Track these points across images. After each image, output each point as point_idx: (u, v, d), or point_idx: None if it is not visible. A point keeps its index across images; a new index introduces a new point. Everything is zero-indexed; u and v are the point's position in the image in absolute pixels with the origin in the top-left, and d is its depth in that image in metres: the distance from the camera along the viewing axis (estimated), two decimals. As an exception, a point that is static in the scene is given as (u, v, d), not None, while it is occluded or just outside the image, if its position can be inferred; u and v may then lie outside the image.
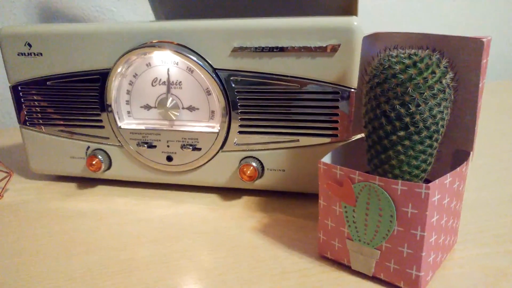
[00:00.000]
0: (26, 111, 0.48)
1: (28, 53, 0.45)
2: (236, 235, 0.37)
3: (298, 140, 0.41)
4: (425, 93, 0.28)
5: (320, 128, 0.40)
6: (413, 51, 0.29)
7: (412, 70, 0.28)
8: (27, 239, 0.38)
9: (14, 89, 0.47)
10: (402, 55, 0.29)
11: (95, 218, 0.41)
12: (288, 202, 0.43)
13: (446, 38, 0.30)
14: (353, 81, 0.38)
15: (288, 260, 0.34)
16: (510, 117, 0.73)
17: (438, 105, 0.29)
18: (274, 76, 0.40)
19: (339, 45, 0.37)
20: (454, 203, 0.31)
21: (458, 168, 0.30)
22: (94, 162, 0.46)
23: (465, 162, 0.31)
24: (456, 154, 0.34)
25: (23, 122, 0.48)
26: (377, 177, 0.29)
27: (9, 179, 0.47)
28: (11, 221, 0.42)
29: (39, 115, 0.47)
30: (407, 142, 0.29)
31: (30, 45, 0.45)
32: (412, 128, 0.29)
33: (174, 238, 0.37)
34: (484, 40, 0.28)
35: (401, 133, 0.29)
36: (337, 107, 0.39)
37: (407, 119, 0.29)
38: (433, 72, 0.28)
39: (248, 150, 0.43)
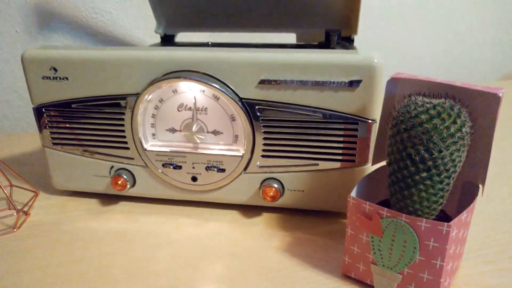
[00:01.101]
0: (49, 132, 0.49)
1: (53, 77, 0.46)
2: (266, 257, 0.41)
3: (317, 164, 0.45)
4: (448, 141, 0.32)
5: (339, 154, 0.44)
6: (437, 101, 0.33)
7: (437, 120, 0.32)
8: (66, 265, 0.40)
9: (38, 110, 0.48)
10: (428, 105, 0.33)
11: (127, 240, 0.44)
12: (306, 220, 0.47)
13: (467, 90, 0.34)
14: (372, 113, 0.42)
15: (317, 281, 0.37)
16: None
17: (457, 151, 0.32)
18: (298, 106, 0.42)
19: (360, 81, 0.40)
20: (465, 233, 0.35)
21: (472, 204, 0.34)
22: (119, 182, 0.48)
23: (477, 197, 0.35)
24: (465, 185, 0.38)
25: (45, 142, 0.49)
26: (404, 214, 0.33)
27: (35, 198, 0.49)
28: (44, 244, 0.44)
29: (63, 136, 0.49)
30: (428, 182, 0.33)
31: (55, 70, 0.46)
32: (434, 170, 0.33)
33: (209, 261, 0.40)
34: (500, 95, 0.32)
35: (424, 174, 0.33)
36: (356, 136, 0.43)
37: (430, 163, 0.33)
38: (455, 122, 0.32)
39: (270, 172, 0.46)
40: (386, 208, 0.33)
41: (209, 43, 0.58)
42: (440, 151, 0.32)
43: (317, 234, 0.44)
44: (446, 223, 0.31)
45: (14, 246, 0.43)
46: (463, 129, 0.32)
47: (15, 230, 0.45)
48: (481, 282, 0.37)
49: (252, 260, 0.40)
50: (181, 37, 0.78)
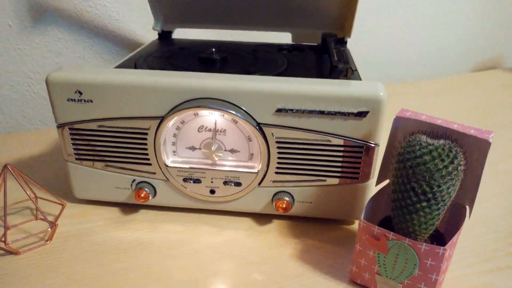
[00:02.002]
0: (72, 148, 0.52)
1: (78, 100, 0.48)
2: (281, 264, 0.47)
3: (325, 180, 0.50)
4: (446, 178, 0.38)
5: (345, 172, 0.49)
6: (438, 143, 0.38)
7: (438, 161, 0.38)
8: (104, 278, 0.45)
9: (61, 128, 0.50)
10: (430, 147, 0.38)
11: (155, 250, 0.49)
12: (313, 227, 0.53)
13: (463, 134, 0.39)
14: (376, 138, 0.47)
15: (328, 286, 0.44)
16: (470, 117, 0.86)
17: (453, 185, 0.39)
18: (310, 131, 0.47)
19: (367, 112, 0.45)
20: (453, 250, 0.42)
21: (461, 227, 0.41)
22: (142, 195, 0.52)
23: (465, 219, 0.42)
24: (454, 205, 0.45)
25: (68, 157, 0.52)
26: (407, 238, 0.39)
27: (62, 210, 0.52)
28: (79, 256, 0.48)
29: (86, 152, 0.52)
30: (427, 210, 0.39)
31: (80, 93, 0.48)
32: (432, 201, 0.39)
33: (232, 270, 0.46)
34: (490, 140, 0.38)
35: (424, 204, 0.39)
36: (360, 158, 0.48)
37: (430, 195, 0.39)
38: (452, 162, 0.38)
39: (282, 186, 0.51)
40: (392, 232, 0.40)
41: (213, 50, 0.60)
42: (439, 186, 0.38)
43: (325, 241, 0.50)
44: (442, 247, 0.38)
45: (52, 259, 0.47)
46: (459, 168, 0.38)
47: (48, 242, 0.49)
48: (465, 284, 0.44)
49: (270, 269, 0.46)
50: (178, 33, 0.80)
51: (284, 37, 0.81)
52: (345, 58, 0.66)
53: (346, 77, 0.55)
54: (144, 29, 0.87)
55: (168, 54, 0.65)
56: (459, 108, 0.91)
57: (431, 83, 1.08)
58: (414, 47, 1.15)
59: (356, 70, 0.59)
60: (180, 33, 0.82)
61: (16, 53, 0.81)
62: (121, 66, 0.58)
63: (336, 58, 0.60)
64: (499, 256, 0.48)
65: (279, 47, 0.74)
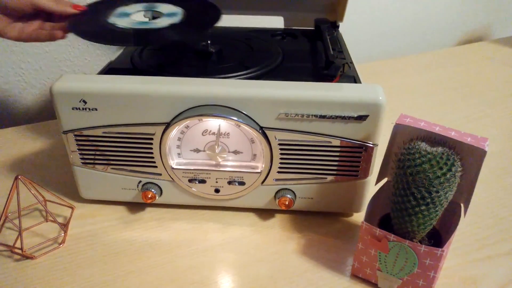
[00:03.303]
0: (78, 153, 0.52)
1: (83, 108, 0.48)
2: (288, 261, 0.49)
3: (326, 178, 0.52)
4: (444, 185, 0.40)
5: (345, 171, 0.51)
6: (436, 151, 0.40)
7: (436, 169, 0.40)
8: (121, 281, 0.47)
9: (67, 135, 0.51)
10: (429, 156, 0.40)
11: (165, 250, 0.51)
12: (314, 220, 0.55)
13: (460, 142, 0.41)
14: (375, 139, 0.49)
15: (333, 281, 0.47)
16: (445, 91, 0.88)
17: (451, 190, 0.41)
18: (312, 133, 0.49)
19: (367, 116, 0.47)
20: (449, 248, 0.45)
21: (458, 226, 0.44)
22: (149, 196, 0.53)
23: (460, 217, 0.45)
24: (449, 204, 0.47)
25: (75, 162, 0.53)
26: (407, 240, 0.42)
27: (72, 213, 0.54)
28: (93, 258, 0.50)
29: (92, 157, 0.52)
30: (426, 213, 0.42)
31: (85, 102, 0.48)
32: (431, 205, 0.41)
33: (242, 267, 0.48)
34: (486, 149, 0.40)
35: (423, 207, 0.42)
36: (360, 157, 0.50)
37: (429, 200, 0.41)
38: (450, 169, 0.40)
39: (284, 184, 0.53)
40: (393, 234, 0.42)
41: (209, 42, 0.60)
42: (437, 192, 0.41)
43: (326, 235, 0.53)
44: (440, 249, 0.41)
45: (67, 262, 0.49)
46: (456, 174, 0.41)
47: (61, 245, 0.51)
48: (458, 274, 0.48)
49: (277, 265, 0.49)
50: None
51: (275, 19, 0.80)
52: (339, 46, 0.67)
53: (343, 72, 0.56)
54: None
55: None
56: (446, 85, 0.93)
57: (418, 58, 1.09)
58: (400, 19, 1.14)
59: (351, 62, 0.60)
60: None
61: (5, 44, 0.78)
62: (116, 62, 0.59)
63: (331, 49, 0.60)
64: (489, 244, 0.52)
65: (272, 33, 0.73)
